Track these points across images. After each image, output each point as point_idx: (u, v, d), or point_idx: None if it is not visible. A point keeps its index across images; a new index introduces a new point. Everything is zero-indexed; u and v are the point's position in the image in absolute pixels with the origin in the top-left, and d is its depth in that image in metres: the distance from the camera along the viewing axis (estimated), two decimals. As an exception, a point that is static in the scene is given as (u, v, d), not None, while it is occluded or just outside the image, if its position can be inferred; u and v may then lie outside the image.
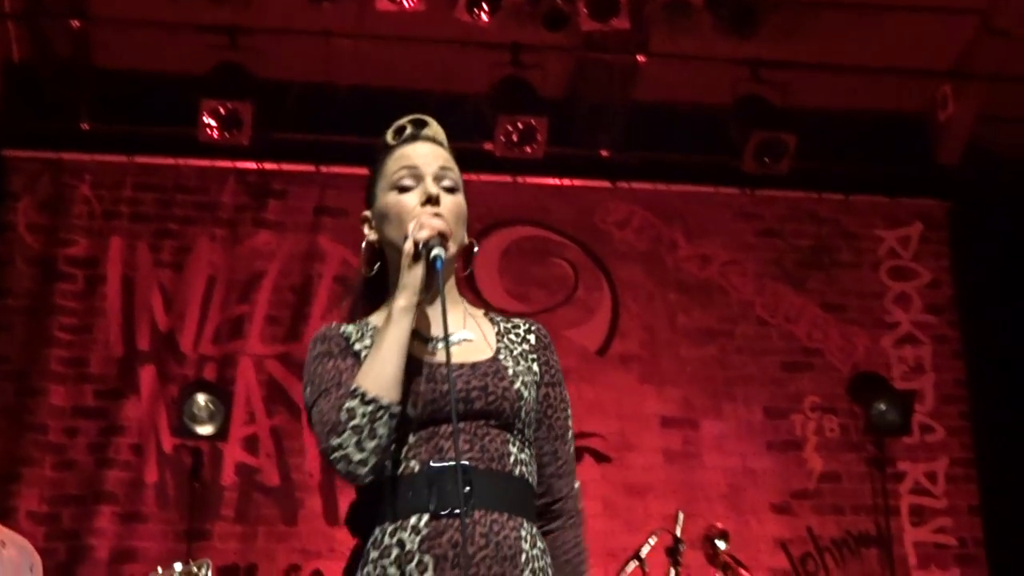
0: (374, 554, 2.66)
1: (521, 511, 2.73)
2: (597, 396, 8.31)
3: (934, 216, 9.16)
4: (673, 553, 6.50)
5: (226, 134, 7.93)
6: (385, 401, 2.61)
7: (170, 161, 8.34)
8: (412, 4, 7.45)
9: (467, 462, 2.66)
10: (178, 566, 4.64)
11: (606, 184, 8.84)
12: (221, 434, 7.61)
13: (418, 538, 2.62)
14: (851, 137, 8.70)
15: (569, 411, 2.97)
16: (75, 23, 7.90)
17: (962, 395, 8.83)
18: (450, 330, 2.72)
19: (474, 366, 2.78)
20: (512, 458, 2.74)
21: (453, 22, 7.60)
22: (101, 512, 7.71)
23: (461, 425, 2.68)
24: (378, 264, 2.96)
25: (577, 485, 2.98)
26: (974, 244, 8.94)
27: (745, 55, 8.27)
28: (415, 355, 2.75)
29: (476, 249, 2.98)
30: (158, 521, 7.76)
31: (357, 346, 2.82)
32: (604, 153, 8.69)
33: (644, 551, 6.54)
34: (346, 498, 7.78)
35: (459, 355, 2.78)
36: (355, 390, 2.62)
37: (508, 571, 2.63)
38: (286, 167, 8.46)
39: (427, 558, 2.60)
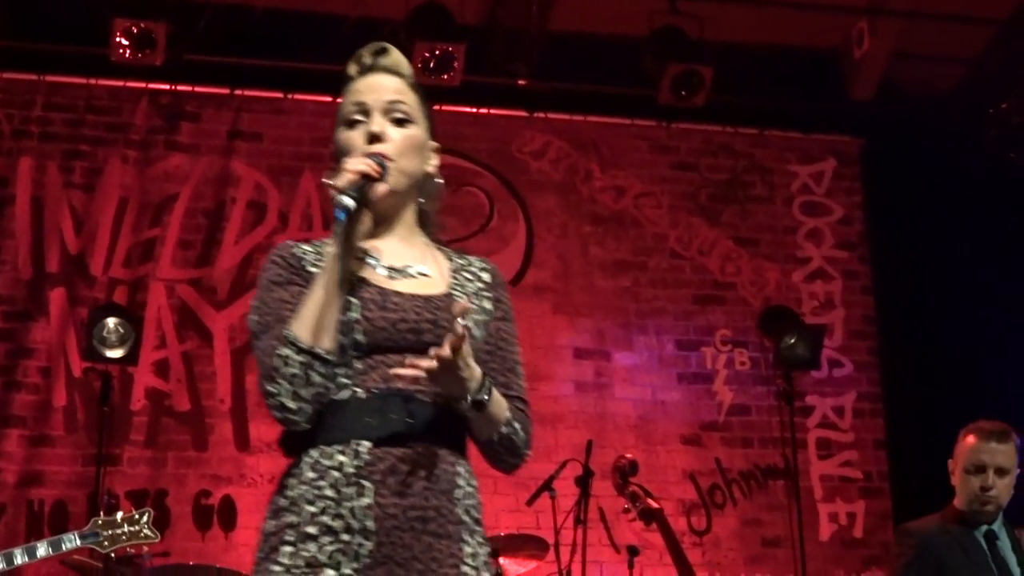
0: (311, 475, 2.67)
1: (458, 446, 2.79)
2: None
3: (847, 152, 9.26)
4: (583, 483, 6.61)
5: (139, 54, 7.81)
6: (319, 350, 2.64)
7: (81, 80, 8.21)
8: None
9: (413, 392, 2.70)
10: (119, 516, 4.69)
11: (522, 113, 8.85)
12: (131, 358, 7.54)
13: (358, 462, 2.64)
14: (767, 71, 8.73)
15: (518, 346, 3.00)
16: None
17: (871, 331, 8.97)
18: (409, 264, 2.86)
19: (428, 299, 2.80)
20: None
21: None
22: (8, 435, 7.68)
23: (408, 356, 2.68)
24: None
25: (526, 421, 2.95)
26: (886, 181, 9.02)
27: None
28: (372, 282, 2.80)
29: (441, 180, 3.04)
30: (67, 445, 7.72)
31: (311, 268, 2.82)
32: (521, 82, 8.66)
33: (553, 479, 6.67)
34: (257, 425, 7.85)
35: (415, 288, 2.82)
36: (289, 337, 2.64)
37: (444, 504, 2.69)
38: (200, 89, 8.36)
39: (366, 483, 2.63)
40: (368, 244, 2.86)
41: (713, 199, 9.00)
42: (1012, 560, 5.08)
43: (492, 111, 8.82)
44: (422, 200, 3.02)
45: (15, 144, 8.13)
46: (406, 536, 2.63)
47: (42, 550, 4.58)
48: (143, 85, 8.30)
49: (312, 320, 2.65)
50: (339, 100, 2.99)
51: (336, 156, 2.90)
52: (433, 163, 3.04)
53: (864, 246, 9.13)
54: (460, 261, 3.01)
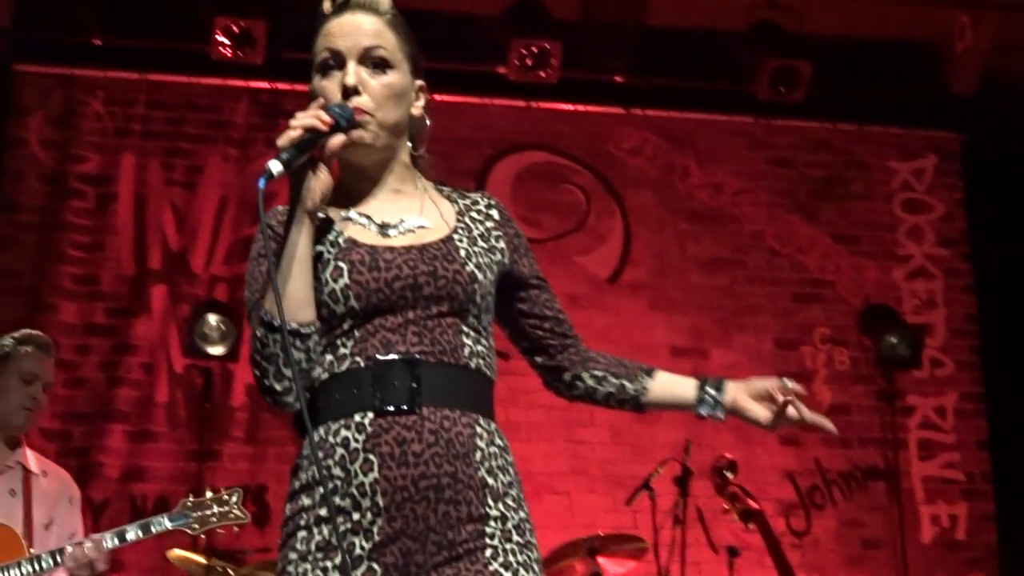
0: (309, 452, 2.55)
1: (476, 407, 2.63)
2: (607, 323, 8.30)
3: (948, 148, 9.19)
4: (681, 482, 6.58)
5: (239, 52, 7.92)
6: (293, 325, 2.51)
7: (183, 79, 8.31)
8: None
9: (417, 355, 2.56)
10: (208, 495, 4.72)
11: (619, 110, 8.84)
12: (232, 355, 7.66)
13: (363, 436, 2.51)
14: (866, 66, 8.69)
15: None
16: None
17: (973, 330, 8.90)
18: (403, 217, 2.71)
19: (423, 249, 2.64)
20: (467, 350, 2.64)
21: None
22: (112, 431, 7.78)
23: (410, 315, 2.58)
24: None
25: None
26: (988, 177, 8.94)
27: None
28: (362, 242, 2.66)
29: (428, 123, 2.84)
30: (168, 440, 7.83)
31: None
32: (618, 78, 8.65)
33: (652, 479, 6.67)
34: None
35: (411, 240, 2.67)
36: (263, 316, 2.52)
37: (460, 469, 2.53)
38: (299, 87, 8.33)
39: (372, 457, 2.49)
40: (360, 203, 2.74)
41: (811, 196, 8.97)
42: None
43: (588, 108, 8.82)
44: (411, 145, 2.85)
45: (118, 142, 8.24)
46: (419, 507, 2.49)
47: (131, 533, 4.62)
48: (243, 83, 8.40)
49: (280, 293, 2.49)
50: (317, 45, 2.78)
51: (312, 103, 2.68)
52: (419, 104, 2.83)
53: (966, 244, 9.06)
54: (464, 201, 2.85)
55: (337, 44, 2.69)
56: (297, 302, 2.52)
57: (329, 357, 2.59)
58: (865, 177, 9.08)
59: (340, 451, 2.51)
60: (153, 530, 4.62)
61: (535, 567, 2.60)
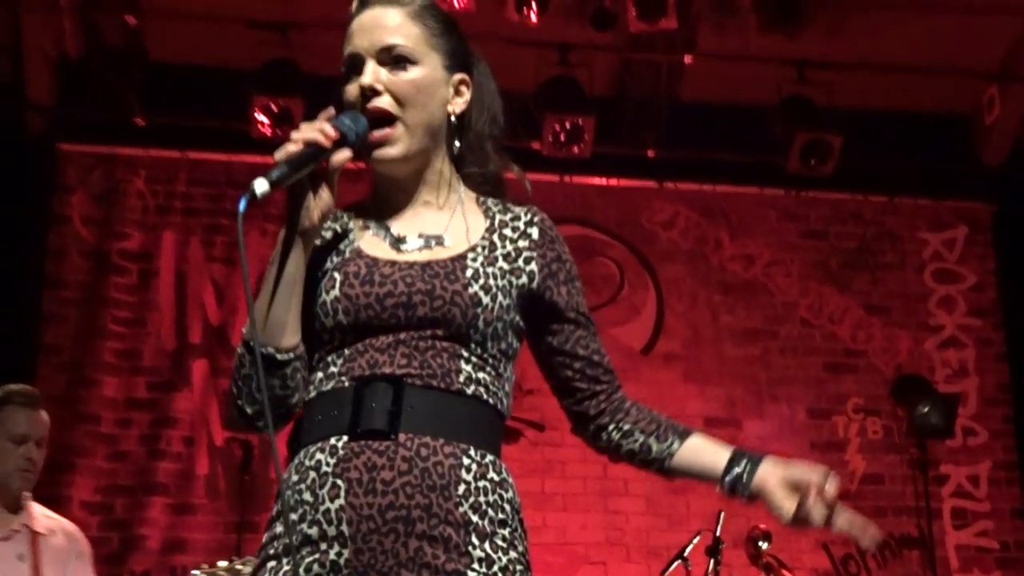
0: (294, 478, 2.35)
1: (468, 436, 2.37)
2: (641, 394, 8.05)
3: (979, 219, 9.21)
4: (713, 552, 6.57)
5: (277, 130, 7.95)
6: (269, 350, 2.34)
7: (222, 157, 8.42)
8: (462, 3, 7.48)
9: (403, 377, 2.34)
10: (222, 563, 4.65)
11: (652, 184, 8.90)
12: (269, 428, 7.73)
13: (334, 460, 2.29)
14: (896, 138, 8.74)
15: (585, 300, 2.66)
16: (129, 17, 7.97)
17: (1005, 399, 8.88)
18: (423, 229, 2.51)
19: (426, 265, 2.42)
20: (462, 375, 2.39)
21: (502, 21, 7.60)
22: (153, 503, 7.85)
23: (401, 335, 2.37)
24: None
25: (613, 370, 2.69)
26: (1019, 247, 8.97)
27: (790, 54, 8.31)
28: (366, 253, 2.48)
29: (454, 119, 2.57)
30: (208, 512, 7.88)
31: (331, 238, 2.55)
32: (650, 153, 8.70)
33: (688, 550, 6.63)
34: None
35: (420, 256, 2.46)
36: (244, 336, 2.37)
37: (436, 502, 2.28)
38: None
39: (340, 482, 2.27)
40: (387, 215, 2.55)
41: (843, 267, 8.98)
42: None
43: (621, 182, 8.90)
44: (458, 144, 2.61)
45: (159, 219, 8.36)
46: (387, 540, 2.25)
47: None
48: (280, 162, 8.48)
49: (263, 315, 2.35)
50: None
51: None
52: (460, 100, 2.59)
53: (997, 313, 9.06)
54: (503, 216, 2.59)
55: (356, 45, 2.49)
56: (279, 327, 2.35)
57: (320, 375, 2.42)
58: (896, 248, 9.10)
59: (312, 475, 2.31)
60: None
61: None
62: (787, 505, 2.52)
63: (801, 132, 8.33)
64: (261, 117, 8.01)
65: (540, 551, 8.02)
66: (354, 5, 2.53)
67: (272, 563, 2.32)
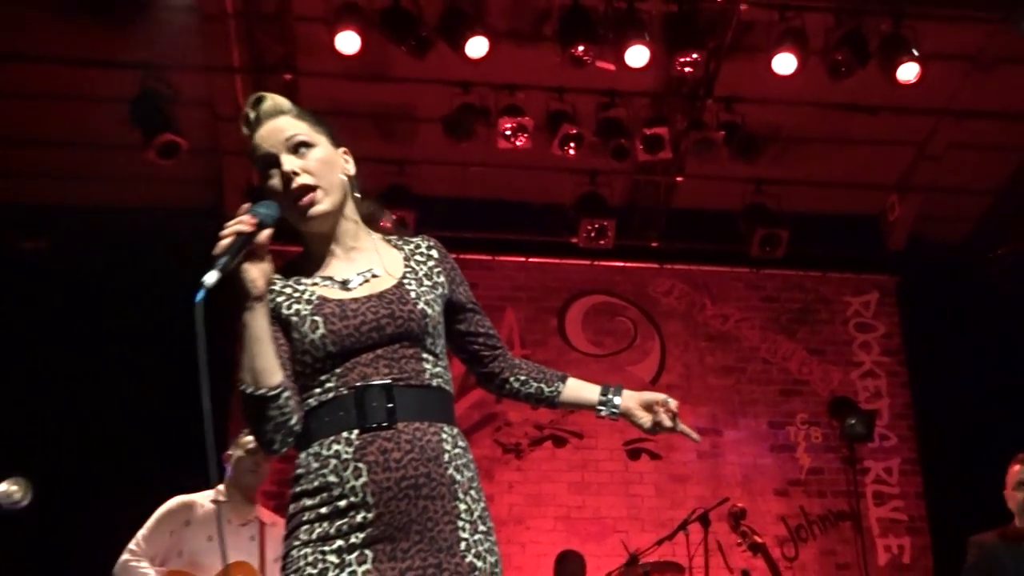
0: (315, 465, 2.24)
1: (441, 417, 2.33)
2: None
3: (886, 286, 9.10)
4: (704, 523, 6.52)
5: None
6: (261, 391, 2.20)
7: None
8: (522, 143, 7.48)
9: (388, 381, 2.28)
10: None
11: (655, 265, 8.84)
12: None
13: (351, 449, 2.21)
14: (827, 231, 8.68)
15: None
16: None
17: (909, 413, 8.76)
18: (358, 271, 2.39)
19: (380, 296, 2.33)
20: (427, 373, 2.33)
21: (550, 155, 7.62)
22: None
23: (379, 351, 2.29)
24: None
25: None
26: (916, 305, 8.91)
27: (750, 175, 8.32)
28: (331, 298, 2.33)
29: (353, 171, 2.47)
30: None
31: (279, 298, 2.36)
32: (654, 244, 8.71)
33: (687, 523, 6.56)
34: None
35: (368, 289, 2.35)
36: (239, 386, 2.21)
37: (433, 469, 2.24)
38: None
39: (361, 465, 2.20)
40: (324, 266, 2.41)
41: (791, 321, 8.88)
42: None
43: (634, 264, 8.82)
44: (358, 195, 2.50)
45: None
46: (402, 504, 2.20)
47: None
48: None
49: (248, 366, 2.20)
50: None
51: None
52: (350, 167, 2.48)
53: (902, 353, 8.92)
54: (408, 247, 2.51)
55: (266, 148, 2.36)
56: (264, 372, 2.21)
57: (317, 389, 2.29)
58: (828, 308, 8.99)
59: (333, 462, 2.21)
60: None
61: (495, 550, 2.31)
62: (645, 419, 2.57)
63: (759, 228, 8.29)
64: (385, 224, 7.86)
65: (581, 524, 7.92)
66: (245, 129, 2.40)
67: (306, 526, 2.21)
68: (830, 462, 8.49)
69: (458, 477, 2.29)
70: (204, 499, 4.63)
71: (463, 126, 7.50)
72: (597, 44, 7.03)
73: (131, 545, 4.45)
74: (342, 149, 2.49)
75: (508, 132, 7.46)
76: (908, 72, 6.96)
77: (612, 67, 7.25)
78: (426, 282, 2.42)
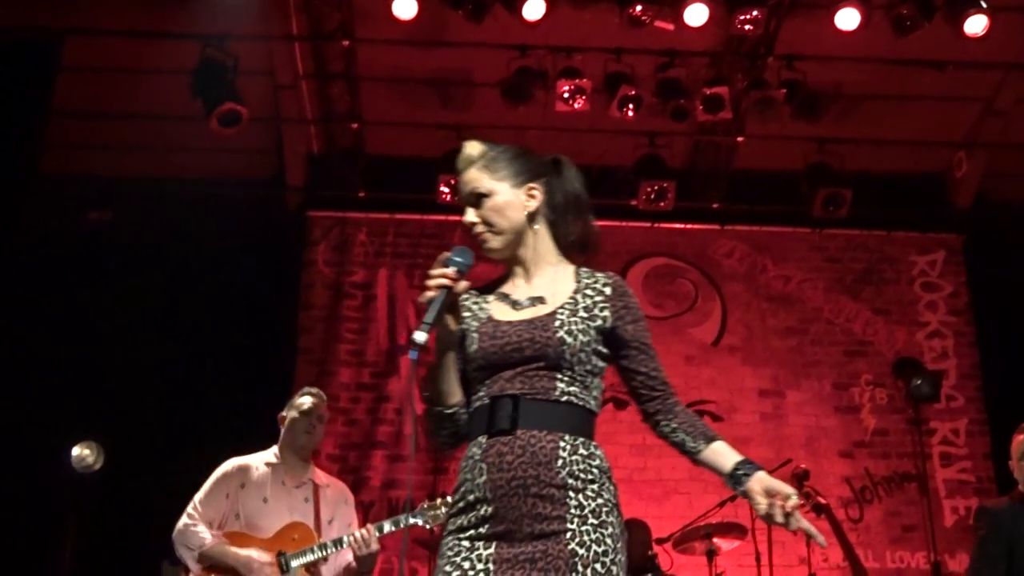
0: (462, 464, 2.60)
1: (563, 428, 2.55)
2: (712, 375, 8.31)
3: (953, 245, 8.97)
4: None
5: (455, 197, 7.93)
6: (440, 409, 2.63)
7: (417, 217, 8.46)
8: (580, 106, 7.48)
9: (519, 395, 2.55)
10: (438, 500, 4.64)
11: (716, 227, 8.79)
12: (463, 402, 7.77)
13: (479, 451, 2.53)
14: (892, 190, 8.59)
15: (648, 335, 2.71)
16: (353, 125, 8.13)
17: (976, 374, 8.64)
18: (530, 294, 2.67)
19: (530, 322, 2.61)
20: (558, 390, 2.56)
21: (608, 117, 7.62)
22: (375, 455, 7.90)
23: (518, 368, 2.57)
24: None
25: (668, 383, 2.73)
26: (983, 264, 8.79)
27: (813, 134, 8.21)
28: (494, 317, 2.66)
29: (540, 196, 2.71)
30: (414, 461, 7.91)
31: (469, 304, 2.72)
32: (715, 205, 8.66)
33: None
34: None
35: (526, 314, 2.63)
36: (423, 402, 2.70)
37: (542, 473, 2.48)
38: None
39: (483, 465, 2.51)
40: (509, 283, 2.73)
41: (856, 281, 8.78)
42: None
43: (695, 226, 8.79)
44: (537, 227, 2.74)
45: (375, 260, 8.41)
46: (514, 500, 2.47)
47: (388, 526, 4.63)
48: (458, 218, 8.44)
49: (434, 388, 2.65)
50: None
51: None
52: (532, 202, 2.72)
53: (969, 313, 8.80)
54: (587, 281, 2.72)
55: (460, 196, 2.74)
56: (445, 394, 2.63)
57: (473, 396, 2.63)
58: (894, 268, 8.88)
59: (469, 462, 2.56)
60: (401, 524, 4.59)
61: (607, 540, 2.49)
62: (762, 505, 2.54)
63: (822, 188, 8.19)
64: (444, 189, 8.03)
65: (643, 486, 7.93)
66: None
67: (451, 519, 2.57)
68: (895, 423, 8.40)
69: (571, 481, 2.51)
70: (259, 461, 4.67)
71: (521, 89, 7.50)
72: (655, 3, 6.97)
73: (188, 510, 4.52)
74: (527, 187, 2.72)
75: (566, 95, 7.45)
76: (976, 25, 6.81)
77: (671, 27, 7.20)
78: (582, 314, 2.64)
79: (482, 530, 2.50)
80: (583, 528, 2.48)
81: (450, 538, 2.56)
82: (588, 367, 2.62)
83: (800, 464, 6.69)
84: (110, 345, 7.45)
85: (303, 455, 4.72)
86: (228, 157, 7.96)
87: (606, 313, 2.66)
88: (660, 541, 6.59)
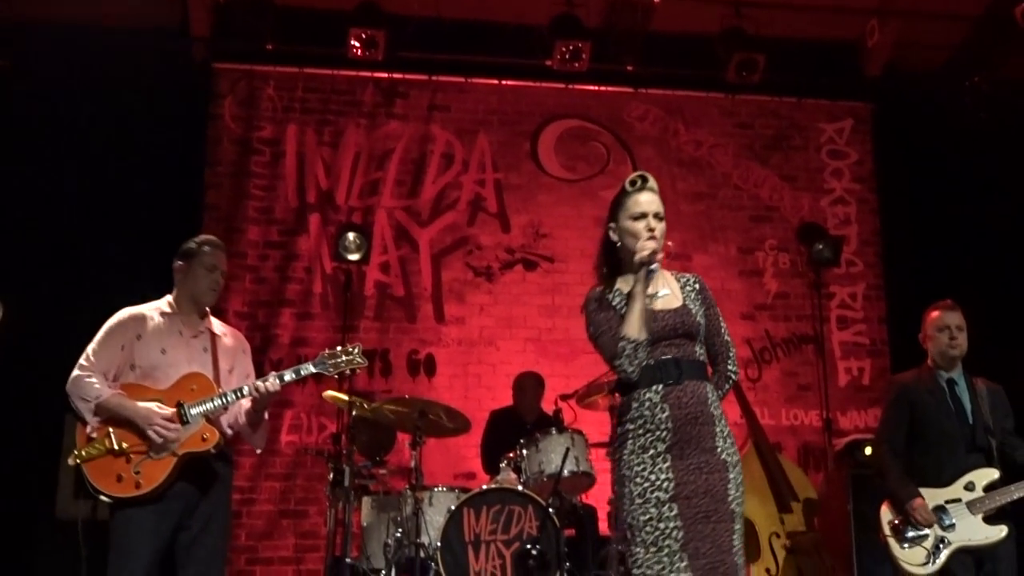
0: (635, 405, 3.44)
1: (705, 378, 3.50)
2: None
3: (861, 114, 9.06)
4: None
5: (366, 52, 7.88)
6: (637, 340, 3.39)
7: (328, 72, 8.29)
8: None
9: (678, 357, 3.45)
10: (338, 348, 4.55)
11: (630, 90, 8.74)
12: (364, 260, 7.72)
13: (659, 396, 3.42)
14: (804, 56, 8.59)
15: (722, 320, 3.61)
16: None
17: (876, 240, 8.84)
18: (663, 290, 3.46)
19: (676, 311, 3.50)
20: (697, 354, 3.50)
21: None
22: (284, 312, 7.89)
23: (675, 340, 3.45)
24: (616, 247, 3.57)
25: (733, 357, 3.60)
26: (889, 134, 8.89)
27: None
28: (653, 306, 3.45)
29: (670, 244, 3.57)
30: (322, 319, 7.91)
31: (614, 301, 3.51)
32: (629, 68, 8.54)
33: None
34: (449, 305, 7.95)
35: (667, 303, 3.48)
36: (624, 335, 3.39)
37: (703, 410, 3.42)
38: (409, 76, 8.42)
39: (666, 405, 3.40)
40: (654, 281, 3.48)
41: (764, 148, 8.86)
42: (966, 398, 5.10)
43: (609, 88, 8.72)
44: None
45: (284, 116, 8.24)
46: (687, 427, 3.39)
47: (288, 375, 4.53)
48: (369, 74, 8.34)
49: (632, 326, 3.39)
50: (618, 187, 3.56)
51: (620, 232, 3.51)
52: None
53: (872, 180, 8.95)
54: (681, 280, 3.62)
55: (644, 208, 3.51)
56: (642, 329, 3.40)
57: (647, 359, 3.43)
58: (802, 135, 8.96)
59: (647, 403, 3.43)
60: (302, 373, 4.43)
61: (736, 453, 3.47)
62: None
63: (736, 52, 8.20)
64: (355, 43, 7.87)
65: (551, 345, 8.06)
66: (629, 185, 3.56)
67: (630, 439, 3.44)
68: (797, 287, 8.60)
69: (714, 412, 3.46)
70: (153, 311, 4.47)
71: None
72: None
73: (81, 360, 4.31)
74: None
75: (482, -51, 7.27)
76: None
77: None
78: (698, 305, 3.57)
79: (660, 448, 3.39)
80: (725, 444, 3.44)
81: (633, 456, 3.42)
82: (701, 337, 3.55)
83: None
84: (6, 195, 7.22)
85: (200, 308, 4.61)
86: (130, 3, 7.66)
87: (699, 305, 3.57)
88: (565, 397, 6.68)
